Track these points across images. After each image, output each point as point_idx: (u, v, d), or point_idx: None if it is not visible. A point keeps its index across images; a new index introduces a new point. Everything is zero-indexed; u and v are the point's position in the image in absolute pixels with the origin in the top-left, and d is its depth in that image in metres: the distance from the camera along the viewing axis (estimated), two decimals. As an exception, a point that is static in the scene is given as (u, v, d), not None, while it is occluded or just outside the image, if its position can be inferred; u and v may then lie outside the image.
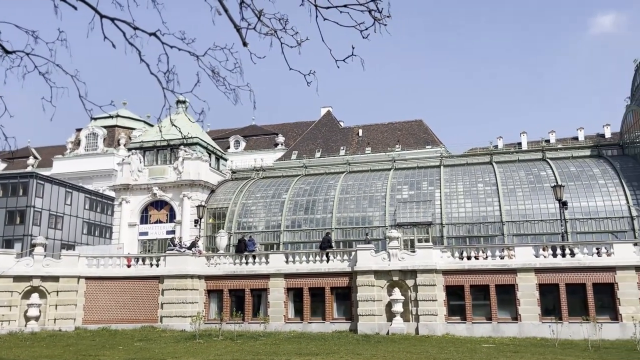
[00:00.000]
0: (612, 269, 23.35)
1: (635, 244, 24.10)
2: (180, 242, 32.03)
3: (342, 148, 57.29)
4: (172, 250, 29.55)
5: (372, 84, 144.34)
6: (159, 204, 40.15)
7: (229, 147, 67.82)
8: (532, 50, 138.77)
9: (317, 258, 27.14)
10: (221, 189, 41.17)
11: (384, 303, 25.08)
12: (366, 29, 5.22)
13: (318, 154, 57.01)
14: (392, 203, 35.45)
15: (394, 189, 36.49)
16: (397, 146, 54.80)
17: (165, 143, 39.02)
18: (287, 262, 27.37)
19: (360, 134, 59.33)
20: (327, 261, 26.88)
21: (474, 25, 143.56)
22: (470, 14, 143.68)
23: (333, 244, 33.24)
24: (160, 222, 39.89)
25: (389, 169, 39.39)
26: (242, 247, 28.79)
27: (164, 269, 27.90)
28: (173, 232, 38.69)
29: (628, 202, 31.40)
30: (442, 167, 38.12)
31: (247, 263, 28.03)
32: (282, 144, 67.72)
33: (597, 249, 24.18)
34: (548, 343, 20.54)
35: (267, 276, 27.29)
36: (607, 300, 23.46)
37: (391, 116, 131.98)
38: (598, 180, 33.22)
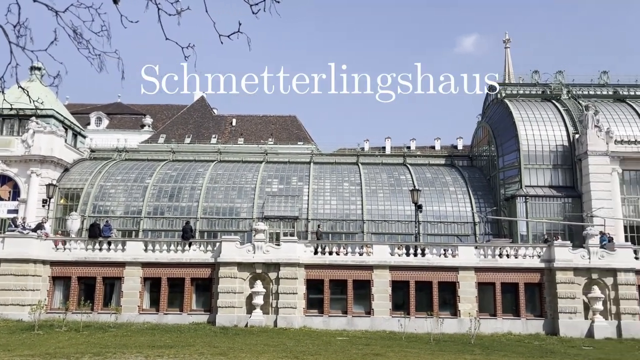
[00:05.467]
0: (455, 269, 25.62)
1: (476, 247, 26.73)
2: (24, 223, 28.85)
3: (214, 136, 55.95)
4: (13, 231, 26.50)
5: (250, 72, 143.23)
6: (0, 179, 35.81)
7: (89, 124, 62.71)
8: (400, 62, 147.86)
9: (179, 247, 26.14)
10: (77, 168, 37.88)
11: (245, 295, 24.94)
12: (256, 4, 4.92)
13: (188, 140, 55.05)
14: (262, 196, 35.41)
15: (264, 182, 36.47)
16: (270, 140, 54.94)
17: (14, 112, 34.81)
18: (145, 250, 25.98)
19: (234, 124, 58.47)
20: (190, 251, 26.01)
21: (354, 32, 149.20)
22: (355, 19, 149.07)
23: (197, 234, 32.27)
24: (1, 199, 35.62)
25: (261, 162, 39.30)
26: (96, 232, 26.73)
27: (2, 252, 24.92)
28: (16, 211, 34.74)
29: (472, 209, 34.74)
30: (312, 164, 38.95)
31: (100, 249, 26.09)
32: (149, 126, 64.25)
33: (444, 250, 26.38)
34: (396, 336, 21.95)
35: (122, 264, 25.65)
36: (449, 298, 25.69)
37: (267, 109, 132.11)
38: (449, 188, 36.30)
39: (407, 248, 26.36)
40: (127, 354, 14.68)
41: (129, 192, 35.60)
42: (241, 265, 25.15)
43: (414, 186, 33.75)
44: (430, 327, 22.88)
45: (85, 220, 33.33)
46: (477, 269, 25.56)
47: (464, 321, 23.99)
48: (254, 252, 25.38)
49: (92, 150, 41.77)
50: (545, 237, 30.13)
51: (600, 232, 27.17)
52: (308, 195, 35.46)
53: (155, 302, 25.56)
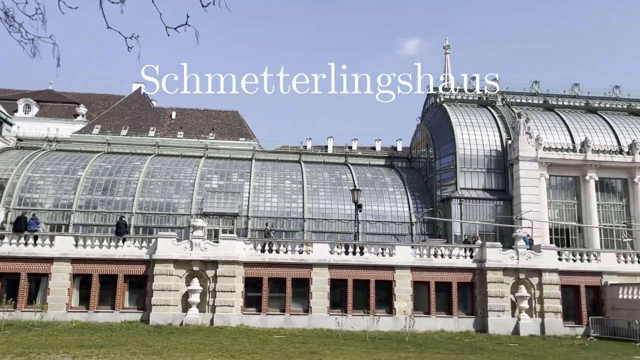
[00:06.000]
0: (392, 268, 26.16)
1: (412, 247, 27.41)
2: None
3: (152, 129, 54.27)
4: None
5: (192, 66, 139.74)
6: None
7: (16, 111, 59.13)
8: (345, 61, 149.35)
9: (112, 243, 25.15)
10: (2, 157, 35.67)
11: (181, 293, 24.36)
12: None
13: (124, 132, 53.10)
14: (201, 191, 34.71)
15: (203, 177, 35.78)
16: (211, 134, 53.95)
17: None
18: (76, 245, 24.81)
19: (174, 117, 56.96)
20: (123, 247, 25.08)
21: (298, 33, 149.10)
22: (302, 17, 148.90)
23: (131, 230, 31.26)
24: None
25: (201, 157, 38.53)
26: (22, 226, 25.25)
27: None
28: None
29: (410, 210, 35.62)
30: (253, 160, 38.62)
31: (26, 244, 24.66)
32: (83, 116, 61.40)
33: (382, 249, 26.87)
34: (333, 334, 22.12)
35: (50, 260, 24.37)
36: (385, 296, 26.19)
37: (208, 103, 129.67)
38: (388, 188, 37.04)
39: (347, 247, 26.65)
40: (53, 354, 13.95)
41: (59, 185, 33.91)
42: (178, 263, 24.54)
43: (355, 186, 34.18)
44: (367, 325, 23.24)
45: (9, 213, 31.45)
46: (413, 268, 26.21)
47: (399, 319, 24.53)
48: (192, 249, 24.83)
49: (19, 139, 39.46)
50: (466, 237, 31.32)
51: (514, 235, 28.53)
52: (249, 192, 35.12)
53: (85, 300, 24.48)
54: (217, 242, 25.66)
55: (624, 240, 33.46)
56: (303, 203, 35.08)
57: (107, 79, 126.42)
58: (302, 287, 25.68)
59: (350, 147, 60.19)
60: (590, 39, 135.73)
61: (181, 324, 23.30)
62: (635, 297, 25.09)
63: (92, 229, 31.96)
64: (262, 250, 25.87)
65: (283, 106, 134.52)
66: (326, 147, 61.34)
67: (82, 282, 24.73)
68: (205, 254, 24.78)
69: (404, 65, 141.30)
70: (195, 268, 24.66)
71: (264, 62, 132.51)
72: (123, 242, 25.24)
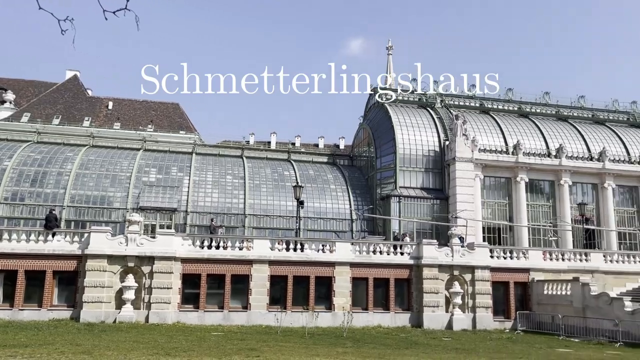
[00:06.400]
0: (332, 264, 26.39)
1: (352, 244, 27.75)
2: None
3: (86, 119, 51.94)
4: None
5: (130, 55, 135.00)
6: None
7: None
8: (288, 60, 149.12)
9: (41, 237, 23.89)
10: None
11: (114, 290, 23.51)
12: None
13: (57, 121, 50.50)
14: (138, 185, 33.64)
15: (141, 171, 34.69)
16: (150, 126, 52.31)
17: None
18: (0, 239, 23.40)
19: (110, 107, 54.79)
20: (53, 242, 23.88)
21: (244, 31, 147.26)
22: (249, 16, 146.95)
23: (62, 224, 29.91)
24: None
25: (138, 149, 37.34)
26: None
27: None
28: None
29: (351, 207, 36.07)
30: (194, 154, 37.85)
31: (-56, 238, 23.01)
32: (11, 102, 57.83)
33: (322, 245, 27.05)
34: (272, 330, 22.06)
35: (-30, 255, 22.86)
36: (324, 292, 26.37)
37: (148, 94, 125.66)
38: (330, 185, 37.34)
39: (288, 243, 26.62)
40: (-28, 356, 13.09)
41: (-17, 175, 31.84)
42: (112, 258, 23.67)
43: (297, 182, 34.19)
44: (306, 321, 23.34)
45: None
46: (353, 265, 26.56)
47: (338, 315, 24.80)
48: (127, 245, 24.01)
49: (-62, 125, 36.76)
50: (395, 234, 32.10)
51: (450, 233, 29.60)
52: (188, 187, 34.41)
53: (9, 297, 23.13)
54: (154, 237, 24.95)
55: (550, 239, 35.37)
56: (244, 199, 34.75)
57: (38, 65, 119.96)
58: (241, 284, 25.43)
59: (293, 144, 60.18)
60: (525, 43, 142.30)
61: (114, 321, 22.50)
62: (558, 292, 26.56)
63: (19, 222, 30.27)
64: (201, 246, 25.40)
65: (226, 101, 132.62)
66: (269, 142, 61.02)
67: (7, 278, 23.35)
68: (141, 250, 24.03)
69: (348, 64, 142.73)
70: (131, 264, 23.88)
71: (212, 59, 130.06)
72: (53, 236, 24.03)
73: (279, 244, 26.43)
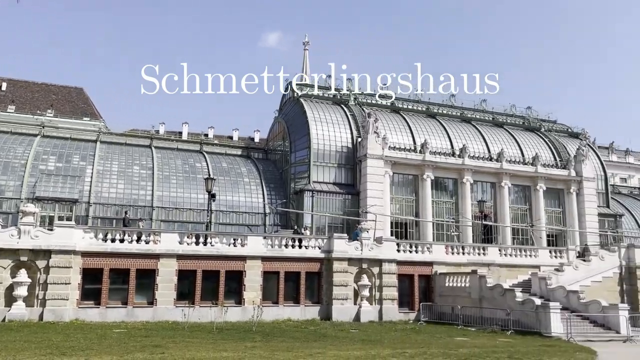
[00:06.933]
0: (243, 258, 26.11)
1: (264, 237, 27.64)
2: None
3: (-25, 100, 47.49)
4: None
5: (32, 33, 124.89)
6: None
7: None
8: (204, 50, 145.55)
9: None
10: None
11: (4, 286, 21.74)
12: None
13: (-61, 101, 45.73)
14: (34, 173, 31.27)
15: (38, 158, 32.28)
16: (50, 111, 48.78)
17: None
18: None
19: (4, 89, 50.47)
20: None
21: (156, 28, 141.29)
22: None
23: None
24: None
25: (36, 135, 34.72)
26: None
27: None
28: None
29: (264, 201, 35.89)
30: (98, 142, 35.83)
31: None
32: None
33: (234, 239, 26.68)
34: (179, 326, 21.45)
35: None
36: (235, 286, 26.05)
37: (49, 76, 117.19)
38: (244, 178, 36.91)
39: (197, 237, 25.98)
40: None
41: None
42: (2, 252, 21.85)
43: (209, 174, 33.43)
44: (215, 315, 22.96)
45: None
46: (264, 259, 26.46)
47: (247, 309, 24.61)
48: (19, 237, 22.26)
49: None
50: (295, 228, 32.53)
51: (357, 226, 30.57)
52: (91, 177, 32.52)
53: None
54: (51, 229, 23.36)
55: (452, 234, 37.33)
56: (152, 190, 33.44)
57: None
58: (147, 279, 24.48)
59: (206, 135, 58.74)
60: (436, 46, 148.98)
61: (3, 320, 20.81)
62: (458, 284, 28.14)
63: None
64: (104, 240, 24.11)
65: (136, 87, 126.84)
66: (180, 133, 59.11)
67: None
68: (35, 243, 22.37)
69: (264, 57, 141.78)
70: (24, 258, 22.16)
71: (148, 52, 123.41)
72: None
73: (188, 237, 25.72)
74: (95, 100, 72.19)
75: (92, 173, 32.68)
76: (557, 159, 42.80)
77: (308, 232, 30.61)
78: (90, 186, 32.02)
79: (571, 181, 41.41)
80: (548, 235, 40.54)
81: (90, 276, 23.56)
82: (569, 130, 48.08)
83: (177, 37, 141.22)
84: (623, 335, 22.03)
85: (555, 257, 32.84)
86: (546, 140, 44.67)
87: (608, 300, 25.41)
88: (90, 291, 23.54)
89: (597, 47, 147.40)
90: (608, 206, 44.21)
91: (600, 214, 42.27)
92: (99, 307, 23.29)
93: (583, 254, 33.81)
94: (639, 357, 17.26)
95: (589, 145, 44.42)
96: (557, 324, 22.01)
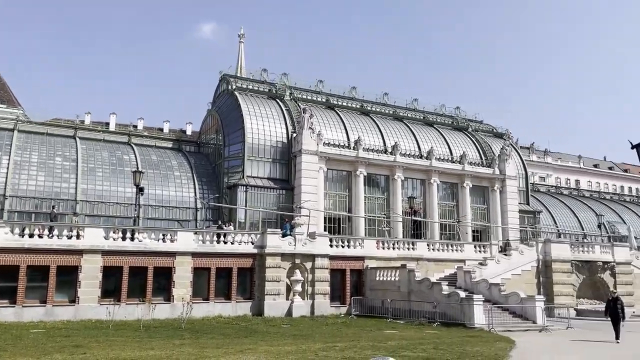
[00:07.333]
0: (173, 254, 25.39)
1: (195, 233, 27.02)
2: None
3: None
4: None
5: None
6: None
7: None
8: (136, 39, 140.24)
9: None
10: None
11: None
12: None
13: None
14: (-59, 163, 28.86)
15: (-54, 147, 29.82)
16: (-39, 97, 45.27)
17: None
18: None
19: None
20: None
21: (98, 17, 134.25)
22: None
23: None
24: None
25: (-56, 122, 32.04)
26: None
27: None
28: None
29: (196, 195, 35.09)
30: (16, 131, 33.64)
31: None
32: None
33: (163, 235, 25.88)
34: (103, 325, 20.59)
35: None
36: (164, 283, 25.30)
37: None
38: (174, 172, 35.89)
39: (124, 232, 25.00)
40: None
41: None
42: None
43: (138, 167, 32.21)
44: (142, 313, 22.20)
45: None
46: (195, 254, 25.88)
47: (177, 306, 23.98)
48: None
49: None
50: (219, 223, 32.25)
51: (286, 221, 30.68)
52: (7, 168, 30.50)
53: None
54: (-40, 224, 21.66)
55: (384, 229, 38.14)
56: (76, 183, 31.82)
57: None
58: (69, 276, 23.30)
59: (135, 126, 56.61)
60: (370, 45, 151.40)
61: None
62: (388, 278, 28.79)
63: None
64: (21, 235, 22.68)
65: (60, 76, 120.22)
66: (107, 123, 56.54)
67: None
68: (-57, 238, 20.68)
69: (199, 48, 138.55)
70: None
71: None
72: None
73: (114, 232, 24.71)
74: (15, 87, 67.73)
75: (8, 164, 30.64)
76: (483, 157, 44.73)
77: (232, 227, 30.19)
78: (7, 178, 30.02)
79: (495, 179, 43.42)
80: (473, 231, 42.31)
81: (5, 274, 22.13)
82: (494, 130, 50.35)
83: (110, 25, 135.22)
84: (539, 325, 23.39)
85: (480, 251, 34.33)
86: (473, 139, 46.54)
87: (526, 292, 26.86)
88: (5, 289, 22.13)
89: (521, 52, 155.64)
90: (528, 203, 46.76)
91: (521, 211, 44.63)
92: (14, 307, 21.93)
93: (505, 249, 35.51)
94: (552, 345, 18.36)
95: (511, 145, 46.68)
96: (479, 316, 23.02)
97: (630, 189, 79.47)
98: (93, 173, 33.00)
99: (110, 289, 24.07)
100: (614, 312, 19.56)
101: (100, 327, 20.03)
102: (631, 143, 6.98)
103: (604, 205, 55.64)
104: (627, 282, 34.73)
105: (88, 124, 50.59)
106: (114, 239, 24.43)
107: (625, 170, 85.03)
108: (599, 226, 47.48)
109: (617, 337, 18.99)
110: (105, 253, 23.97)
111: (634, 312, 30.52)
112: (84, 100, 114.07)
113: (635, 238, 44.26)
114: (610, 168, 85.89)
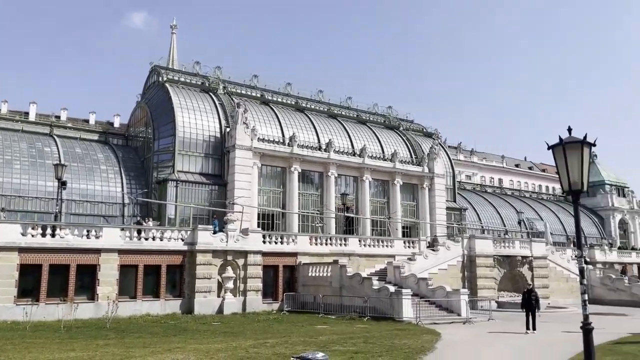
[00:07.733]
0: (97, 251, 24.32)
1: (122, 229, 26.01)
2: None
3: None
4: None
5: None
6: None
7: None
8: (65, 28, 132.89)
9: None
10: None
11: None
12: None
13: None
14: None
15: None
16: None
17: None
18: None
19: None
20: None
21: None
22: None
23: None
24: None
25: None
26: None
27: None
28: None
29: (123, 190, 33.78)
30: None
31: None
32: None
33: (87, 231, 24.72)
34: (19, 326, 19.43)
35: None
36: (88, 281, 24.18)
37: None
38: (100, 166, 34.37)
39: (44, 228, 23.65)
40: None
41: None
42: None
43: (60, 160, 30.59)
44: (63, 313, 21.18)
45: None
46: (121, 252, 24.93)
47: (101, 305, 23.04)
48: None
49: None
50: (139, 219, 31.46)
51: (215, 217, 30.30)
52: None
53: None
54: None
55: (317, 225, 38.41)
56: (-9, 176, 29.72)
57: None
58: (-19, 275, 21.72)
59: (58, 117, 53.51)
60: (308, 41, 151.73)
61: None
62: (320, 274, 29.04)
63: None
64: None
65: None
66: (27, 113, 53.16)
67: None
68: None
69: (128, 38, 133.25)
70: None
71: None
72: None
73: (33, 228, 23.32)
74: None
75: None
76: (413, 156, 46.07)
77: (151, 223, 29.30)
78: None
79: (424, 177, 44.84)
80: (403, 227, 43.50)
81: None
82: (424, 130, 51.97)
83: (35, 9, 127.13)
84: (463, 318, 24.44)
85: (409, 247, 35.37)
86: (404, 138, 47.81)
87: (452, 286, 27.96)
88: None
89: (450, 55, 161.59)
90: (455, 201, 48.67)
91: (448, 208, 46.37)
92: None
93: (433, 244, 36.81)
94: (474, 336, 19.24)
95: (440, 144, 48.35)
96: (408, 309, 23.71)
97: (547, 187, 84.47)
98: (10, 165, 31.01)
99: (28, 289, 22.72)
100: (529, 303, 20.87)
101: (16, 329, 18.88)
102: (547, 144, 7.42)
103: (524, 203, 58.97)
104: (543, 276, 37.04)
105: (5, 113, 47.44)
106: (32, 236, 23.05)
107: (544, 170, 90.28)
108: (519, 223, 50.20)
109: (533, 327, 20.24)
110: (23, 250, 22.59)
111: (549, 303, 32.61)
112: (0, 87, 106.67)
113: (551, 234, 47.29)
114: (530, 168, 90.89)
